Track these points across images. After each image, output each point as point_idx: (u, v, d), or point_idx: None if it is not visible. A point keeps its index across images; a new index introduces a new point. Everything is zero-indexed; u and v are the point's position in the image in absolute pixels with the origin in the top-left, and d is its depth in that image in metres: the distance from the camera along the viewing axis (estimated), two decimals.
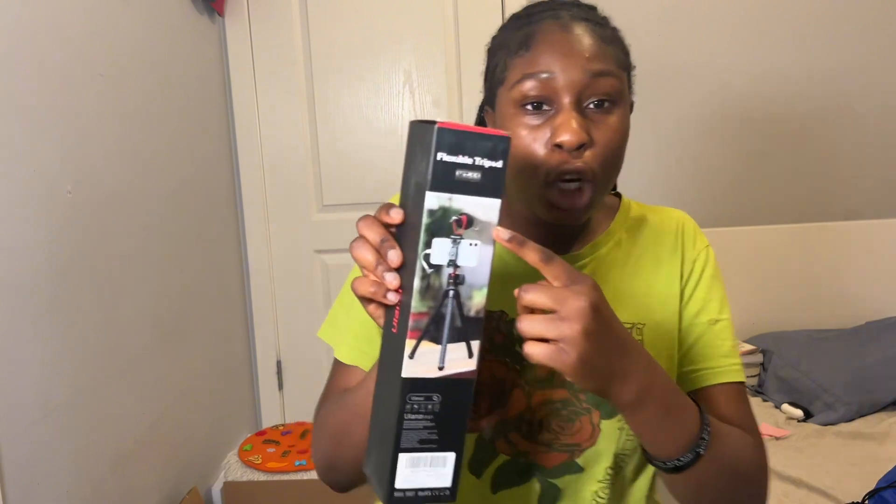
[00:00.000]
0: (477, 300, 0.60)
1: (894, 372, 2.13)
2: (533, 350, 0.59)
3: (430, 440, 0.61)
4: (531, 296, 0.60)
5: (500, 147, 0.57)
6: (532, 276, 0.86)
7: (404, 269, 0.60)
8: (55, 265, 1.45)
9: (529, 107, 0.77)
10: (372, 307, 0.64)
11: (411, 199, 0.60)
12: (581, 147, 0.75)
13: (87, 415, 1.54)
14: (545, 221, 0.81)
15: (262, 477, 2.12)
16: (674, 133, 2.51)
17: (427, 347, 0.60)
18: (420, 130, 0.59)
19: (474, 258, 0.59)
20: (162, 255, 1.92)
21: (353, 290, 0.64)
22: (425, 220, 0.57)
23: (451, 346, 0.60)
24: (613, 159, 0.78)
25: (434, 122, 0.57)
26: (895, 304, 2.45)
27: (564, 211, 0.78)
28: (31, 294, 1.37)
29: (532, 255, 0.61)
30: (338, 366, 0.92)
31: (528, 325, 0.60)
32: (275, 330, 2.62)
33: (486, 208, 0.58)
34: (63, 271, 1.47)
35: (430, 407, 0.61)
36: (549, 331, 0.59)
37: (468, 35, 2.46)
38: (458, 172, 0.57)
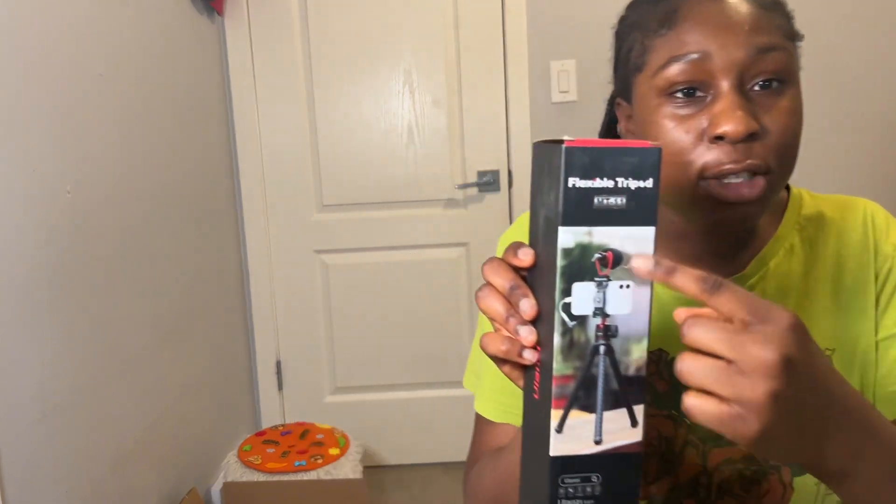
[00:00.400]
0: (636, 355, 0.48)
1: None
2: (698, 406, 0.45)
3: None
4: (700, 333, 0.44)
5: (648, 162, 0.46)
6: (682, 304, 0.71)
7: (541, 322, 0.50)
8: (55, 265, 1.44)
9: (679, 94, 0.64)
10: (507, 368, 0.54)
11: (542, 236, 0.49)
12: (749, 138, 0.62)
13: (86, 415, 1.53)
14: (697, 232, 0.68)
15: (261, 477, 2.12)
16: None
17: (578, 418, 0.48)
18: (545, 153, 0.48)
19: (627, 303, 0.47)
20: (161, 255, 1.92)
21: (483, 347, 0.53)
22: (560, 262, 0.46)
23: (607, 415, 0.49)
24: (789, 149, 0.64)
25: (561, 141, 0.46)
26: None
27: (732, 206, 0.63)
28: (30, 294, 1.37)
29: (690, 284, 0.46)
30: (480, 420, 0.81)
31: (692, 369, 0.45)
32: (275, 330, 2.61)
33: (637, 240, 0.47)
34: (62, 271, 1.47)
35: (589, 490, 0.50)
36: (723, 387, 0.44)
37: (468, 35, 2.46)
38: (596, 199, 0.46)
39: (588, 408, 0.49)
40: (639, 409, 0.49)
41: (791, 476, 0.70)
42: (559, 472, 0.49)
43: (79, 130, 1.54)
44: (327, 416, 2.57)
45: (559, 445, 0.49)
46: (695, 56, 0.63)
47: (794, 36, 0.67)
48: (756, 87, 0.64)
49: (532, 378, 0.52)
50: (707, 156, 0.63)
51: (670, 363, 0.71)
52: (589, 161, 0.45)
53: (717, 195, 0.63)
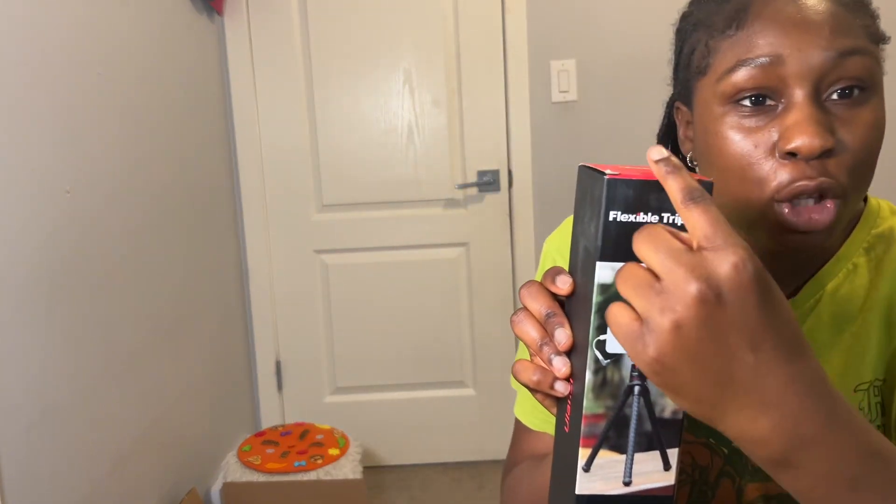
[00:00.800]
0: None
1: None
2: (612, 314, 0.42)
3: None
4: (642, 241, 0.41)
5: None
6: None
7: (576, 353, 0.48)
8: (54, 265, 1.44)
9: (746, 102, 0.58)
10: (539, 395, 0.51)
11: (580, 266, 0.47)
12: (824, 154, 0.56)
13: (86, 415, 1.53)
14: (754, 249, 0.65)
15: (261, 478, 2.11)
16: None
17: (608, 457, 0.47)
18: (589, 180, 0.46)
19: None
20: (161, 254, 1.91)
21: (515, 375, 0.50)
22: (596, 297, 0.44)
23: (639, 457, 0.47)
24: (867, 166, 0.59)
25: (604, 173, 0.43)
26: None
27: (801, 233, 0.58)
28: (30, 294, 1.36)
29: (676, 190, 0.41)
30: (519, 424, 0.78)
31: (624, 275, 0.42)
32: (274, 330, 2.61)
33: None
34: (62, 271, 1.47)
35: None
36: (637, 300, 0.41)
37: (468, 35, 2.46)
38: None
39: (619, 448, 0.47)
40: (672, 453, 0.47)
41: None
42: None
43: (78, 130, 1.54)
44: (327, 417, 2.57)
45: (586, 484, 0.47)
46: (766, 60, 0.57)
47: (879, 38, 0.60)
48: (834, 96, 0.57)
49: (564, 409, 0.50)
50: (780, 175, 0.57)
51: None
52: (633, 195, 0.43)
53: (785, 221, 0.58)
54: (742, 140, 0.59)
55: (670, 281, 0.40)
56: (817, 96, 0.57)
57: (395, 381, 2.63)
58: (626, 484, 0.47)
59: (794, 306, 0.66)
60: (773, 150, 0.58)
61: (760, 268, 0.40)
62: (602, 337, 0.45)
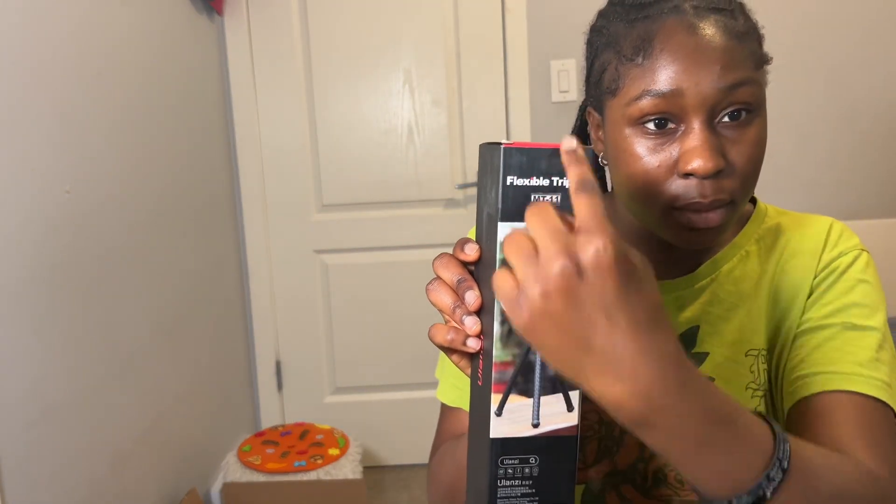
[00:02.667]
0: None
1: None
2: (497, 278, 0.46)
3: None
4: (532, 214, 0.46)
5: None
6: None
7: (485, 312, 0.53)
8: (53, 265, 1.44)
9: (651, 125, 0.67)
10: (455, 357, 0.57)
11: (485, 233, 0.52)
12: (717, 174, 0.65)
13: (86, 415, 1.53)
14: (658, 238, 0.72)
15: (261, 478, 2.11)
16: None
17: (517, 402, 0.51)
18: (487, 154, 0.51)
19: None
20: (161, 254, 1.91)
21: (431, 337, 0.56)
22: (499, 254, 0.48)
23: (545, 399, 0.51)
24: (753, 177, 0.68)
25: (500, 143, 0.49)
26: (895, 304, 2.45)
27: (694, 232, 0.68)
28: (29, 294, 1.36)
29: (571, 179, 0.47)
30: (443, 408, 0.83)
31: (510, 242, 0.46)
32: (274, 330, 2.61)
33: None
34: (61, 271, 1.47)
35: (527, 471, 0.52)
36: (517, 266, 0.45)
37: (468, 35, 2.46)
38: (533, 196, 0.49)
39: (526, 392, 0.51)
40: (574, 395, 0.52)
41: None
42: (499, 453, 0.51)
43: (78, 130, 1.54)
44: (327, 417, 2.57)
45: (499, 428, 0.51)
46: (668, 91, 0.65)
47: (764, 61, 0.69)
48: (725, 119, 0.66)
49: (477, 366, 0.54)
50: (678, 188, 0.67)
51: None
52: (525, 161, 0.48)
53: (685, 222, 0.67)
54: (647, 157, 0.67)
55: (544, 254, 0.44)
56: (711, 122, 0.66)
57: (395, 381, 2.63)
58: (535, 426, 0.52)
59: (691, 281, 0.76)
60: (673, 167, 0.67)
61: (623, 253, 0.45)
62: None
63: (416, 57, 2.47)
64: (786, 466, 0.51)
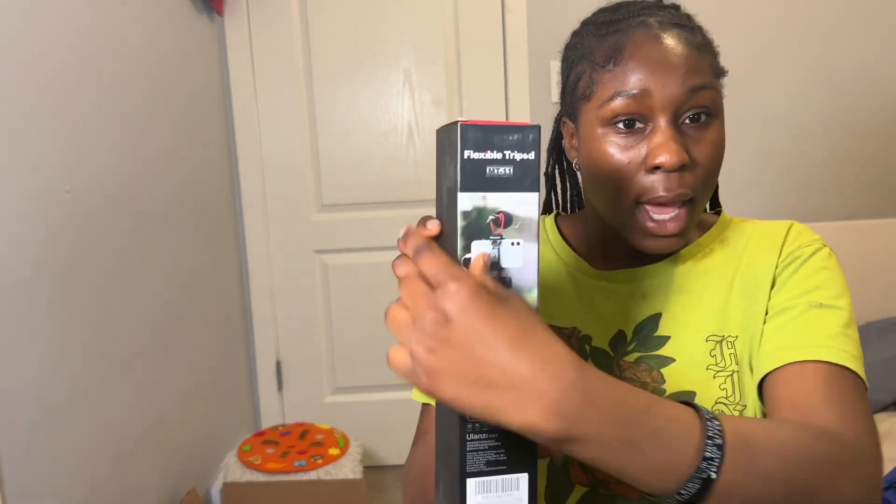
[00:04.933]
0: (530, 302, 0.55)
1: (894, 372, 2.13)
2: (392, 357, 0.50)
3: (499, 461, 0.56)
4: (402, 289, 0.51)
5: (529, 137, 0.53)
6: (598, 291, 0.81)
7: None
8: (54, 265, 1.44)
9: (621, 125, 0.73)
10: None
11: (445, 207, 0.56)
12: (681, 168, 0.71)
13: (86, 415, 1.53)
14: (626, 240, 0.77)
15: (261, 478, 2.12)
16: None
17: None
18: (445, 134, 0.56)
19: (519, 258, 0.55)
20: (161, 254, 1.91)
21: (391, 318, 0.58)
22: (460, 223, 0.53)
23: None
24: (713, 176, 0.75)
25: (450, 124, 0.54)
26: (895, 304, 2.45)
27: (655, 238, 0.74)
28: (30, 294, 1.37)
29: (409, 251, 0.52)
30: (421, 408, 0.88)
31: (392, 317, 0.50)
32: (274, 330, 2.61)
33: (524, 204, 0.54)
34: (62, 271, 1.47)
35: (493, 425, 0.55)
36: (405, 339, 0.49)
37: (468, 35, 2.46)
38: (488, 169, 0.53)
39: None
40: None
41: None
42: (468, 431, 0.55)
43: (78, 130, 1.54)
44: (327, 417, 2.57)
45: None
46: (637, 92, 0.72)
47: (720, 73, 0.76)
48: (688, 121, 0.73)
49: None
50: (644, 182, 0.73)
51: (582, 338, 0.81)
52: (481, 136, 0.53)
53: (647, 229, 0.73)
54: (618, 155, 0.74)
55: (416, 317, 0.48)
56: (675, 122, 0.73)
57: (396, 380, 2.63)
58: None
59: (657, 270, 0.81)
60: (642, 163, 0.73)
61: (476, 286, 0.48)
62: (467, 255, 0.53)
63: (416, 57, 2.47)
64: (720, 443, 0.52)
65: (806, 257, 0.77)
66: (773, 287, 0.77)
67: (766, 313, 0.77)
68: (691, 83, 0.71)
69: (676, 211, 0.72)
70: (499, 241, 0.54)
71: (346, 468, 2.15)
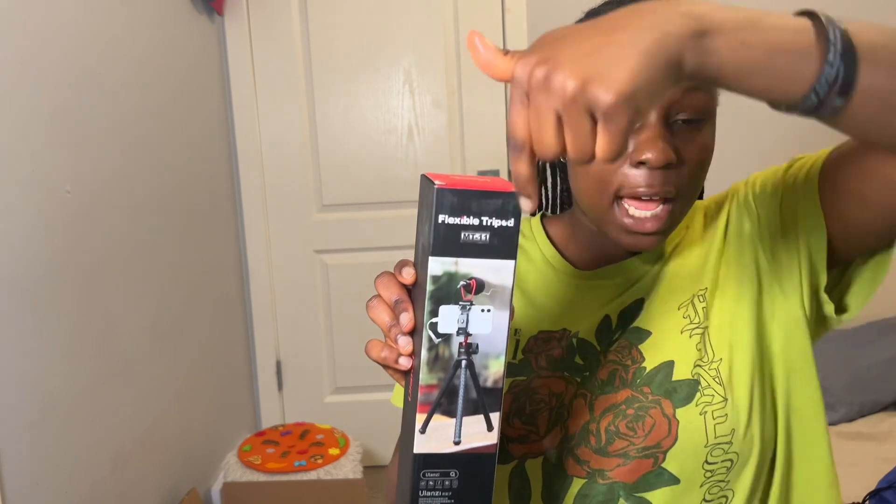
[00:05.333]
0: (494, 369, 0.55)
1: (895, 372, 2.13)
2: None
3: None
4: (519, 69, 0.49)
5: (509, 205, 0.52)
6: (586, 291, 0.81)
7: (417, 333, 0.56)
8: (54, 265, 1.44)
9: None
10: (390, 371, 0.60)
11: (419, 260, 0.55)
12: (667, 166, 0.70)
13: (86, 415, 1.53)
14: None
15: (261, 477, 2.12)
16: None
17: (440, 421, 0.55)
18: (425, 187, 0.54)
19: (488, 325, 0.54)
20: (161, 254, 1.91)
21: (367, 352, 0.60)
22: (429, 287, 0.52)
23: (467, 420, 0.55)
24: (698, 179, 0.73)
25: (435, 182, 0.52)
26: (895, 304, 2.45)
27: (637, 235, 0.72)
28: (29, 293, 1.37)
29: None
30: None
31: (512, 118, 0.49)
32: (274, 330, 2.61)
33: (498, 271, 0.53)
34: (62, 270, 1.47)
35: (447, 483, 0.56)
36: (530, 91, 0.47)
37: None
38: (463, 234, 0.51)
39: (450, 413, 0.55)
40: (495, 416, 0.56)
41: (674, 409, 0.73)
42: (421, 466, 0.55)
43: (78, 130, 1.54)
44: (327, 416, 2.57)
45: (422, 444, 0.55)
46: None
47: None
48: (679, 121, 0.71)
49: (408, 383, 0.58)
50: (626, 177, 0.71)
51: (571, 337, 0.81)
52: (457, 201, 0.51)
53: (624, 225, 0.72)
54: None
55: (522, 75, 0.47)
56: (666, 120, 0.71)
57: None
58: (456, 443, 0.56)
59: (623, 270, 0.81)
60: (627, 158, 0.71)
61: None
62: (434, 319, 0.53)
63: (416, 57, 2.47)
64: (842, 28, 0.50)
65: (747, 182, 0.79)
66: (748, 212, 0.77)
67: (760, 223, 0.76)
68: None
69: (657, 209, 0.71)
70: (468, 308, 0.53)
71: (346, 468, 2.15)
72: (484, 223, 0.52)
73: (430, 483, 0.56)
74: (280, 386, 2.64)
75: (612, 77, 0.45)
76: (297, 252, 2.58)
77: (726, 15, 0.49)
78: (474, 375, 0.55)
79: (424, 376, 0.54)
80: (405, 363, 0.56)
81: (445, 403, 0.55)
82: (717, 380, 0.73)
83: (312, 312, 2.61)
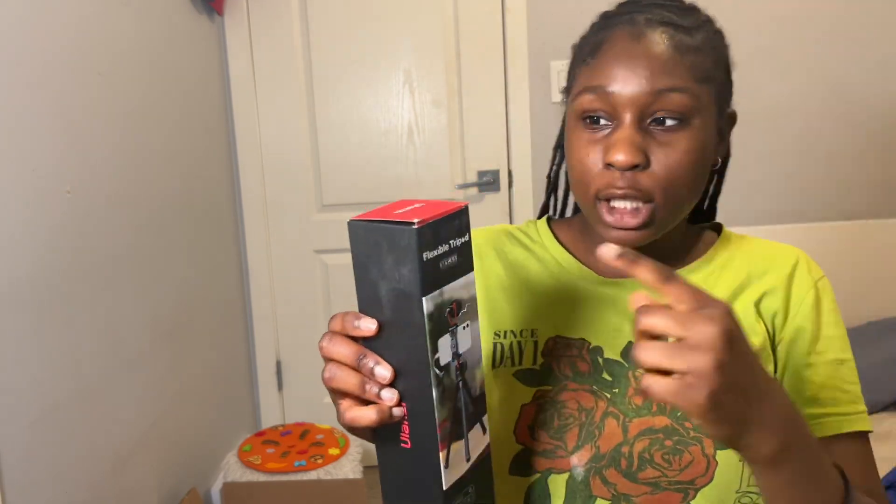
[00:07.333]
0: (479, 377, 0.56)
1: (894, 372, 2.13)
2: (654, 384, 0.50)
3: None
4: (652, 319, 0.50)
5: (463, 221, 0.54)
6: (605, 300, 0.79)
7: (401, 378, 0.54)
8: (54, 265, 1.44)
9: (588, 120, 0.73)
10: (359, 431, 0.59)
11: (391, 306, 0.53)
12: (636, 168, 0.70)
13: (86, 415, 1.53)
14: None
15: (261, 477, 2.12)
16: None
17: (454, 448, 0.56)
18: (380, 232, 0.52)
19: (468, 339, 0.55)
20: (161, 255, 1.91)
21: (345, 423, 0.57)
22: (428, 326, 0.52)
23: (470, 434, 0.57)
24: (680, 181, 0.71)
25: (410, 222, 0.50)
26: (895, 304, 2.45)
27: (621, 231, 0.72)
28: (30, 294, 1.37)
29: (647, 273, 0.52)
30: None
31: (648, 354, 0.50)
32: (274, 330, 2.61)
33: (467, 286, 0.54)
34: (62, 271, 1.47)
35: (468, 501, 0.57)
36: (675, 361, 0.49)
37: (468, 35, 2.46)
38: (441, 263, 0.52)
39: (459, 436, 0.56)
40: (485, 419, 0.58)
41: (714, 449, 0.73)
42: (451, 499, 0.55)
43: (79, 131, 1.54)
44: (327, 417, 2.57)
45: (447, 478, 0.55)
46: (602, 89, 0.71)
47: (711, 78, 0.72)
48: (655, 123, 0.71)
49: (398, 430, 0.56)
50: (602, 179, 0.72)
51: (593, 350, 0.79)
52: (431, 234, 0.51)
53: (607, 222, 0.72)
54: (582, 149, 0.73)
55: (694, 333, 0.49)
56: (641, 121, 0.71)
57: None
58: (468, 460, 0.57)
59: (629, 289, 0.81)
60: (600, 160, 0.72)
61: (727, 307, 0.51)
62: (436, 356, 0.52)
63: (416, 57, 2.47)
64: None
65: (816, 300, 0.78)
66: (785, 318, 0.78)
67: (787, 351, 0.78)
68: (658, 85, 0.69)
69: (635, 206, 0.71)
70: (455, 331, 0.54)
71: (346, 468, 2.15)
72: (451, 246, 0.53)
73: None
74: (280, 386, 2.64)
75: (702, 415, 0.50)
76: (297, 252, 2.58)
77: (802, 469, 0.56)
78: (469, 391, 0.56)
79: (440, 413, 0.53)
80: (399, 412, 0.55)
81: (456, 430, 0.55)
82: None
83: (312, 312, 2.60)
